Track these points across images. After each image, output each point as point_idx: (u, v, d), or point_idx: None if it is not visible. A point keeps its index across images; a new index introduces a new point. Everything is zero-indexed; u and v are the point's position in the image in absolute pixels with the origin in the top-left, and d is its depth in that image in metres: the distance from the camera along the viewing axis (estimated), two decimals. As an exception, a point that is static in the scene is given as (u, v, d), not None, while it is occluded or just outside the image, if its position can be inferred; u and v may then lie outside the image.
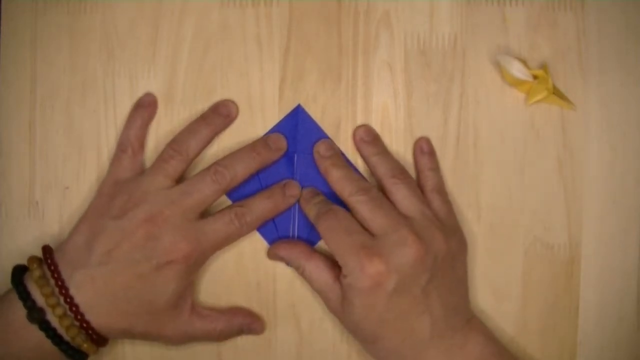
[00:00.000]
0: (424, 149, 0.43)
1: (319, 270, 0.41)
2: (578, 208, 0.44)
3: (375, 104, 0.44)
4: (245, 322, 0.43)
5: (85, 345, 0.39)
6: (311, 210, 0.42)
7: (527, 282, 0.44)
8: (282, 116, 0.44)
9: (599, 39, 0.44)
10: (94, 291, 0.39)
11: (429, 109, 0.44)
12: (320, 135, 0.44)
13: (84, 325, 0.39)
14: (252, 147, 0.43)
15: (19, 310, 0.38)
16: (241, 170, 0.42)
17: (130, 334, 0.40)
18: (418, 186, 0.42)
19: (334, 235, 0.39)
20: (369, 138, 0.44)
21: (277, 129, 0.44)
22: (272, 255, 0.43)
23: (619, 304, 0.44)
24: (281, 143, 0.43)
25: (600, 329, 0.44)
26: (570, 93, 0.44)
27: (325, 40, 0.44)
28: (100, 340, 0.40)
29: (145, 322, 0.40)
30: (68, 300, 0.38)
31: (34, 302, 0.38)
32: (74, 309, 0.38)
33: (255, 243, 0.44)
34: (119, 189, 0.41)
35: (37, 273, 0.39)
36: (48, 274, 0.39)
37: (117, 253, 0.39)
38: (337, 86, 0.45)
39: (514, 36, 0.44)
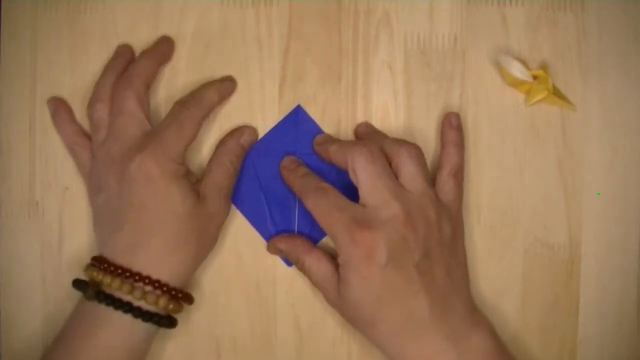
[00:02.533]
0: (452, 122, 0.43)
1: (319, 263, 0.41)
2: (578, 208, 0.44)
3: (375, 104, 0.44)
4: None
5: (170, 306, 0.39)
6: (295, 184, 0.42)
7: (527, 282, 0.44)
8: (282, 116, 0.44)
9: (599, 39, 0.44)
10: (128, 247, 0.39)
11: (429, 109, 0.44)
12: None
13: (156, 284, 0.39)
14: (145, 51, 0.44)
15: (95, 309, 0.39)
16: (141, 68, 0.42)
17: (197, 258, 0.41)
18: (438, 161, 0.42)
19: (324, 212, 0.39)
20: (369, 130, 0.44)
21: (277, 129, 0.44)
22: (272, 248, 0.44)
23: (619, 304, 0.44)
24: (167, 42, 0.44)
25: (600, 329, 0.44)
26: (570, 93, 0.44)
27: (325, 40, 0.44)
28: (178, 292, 0.40)
29: (195, 235, 0.40)
30: (119, 271, 0.39)
31: (107, 294, 0.39)
32: (132, 277, 0.38)
33: (255, 243, 0.44)
34: (87, 178, 0.43)
35: (90, 274, 0.40)
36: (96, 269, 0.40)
37: (114, 212, 0.40)
38: (337, 86, 0.45)
39: (514, 36, 0.44)
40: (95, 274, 0.39)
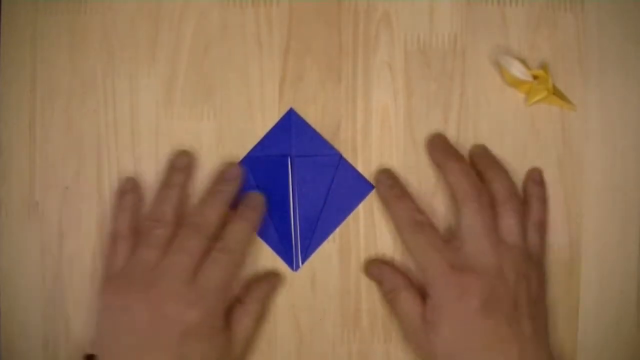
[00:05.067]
0: (536, 179, 0.44)
1: (414, 301, 0.41)
2: (578, 208, 0.44)
3: (375, 104, 0.44)
4: (264, 287, 0.43)
5: None
6: (392, 212, 0.42)
7: (527, 282, 0.44)
8: (282, 116, 0.44)
9: (599, 39, 0.44)
10: None
11: (429, 109, 0.44)
12: (315, 137, 0.44)
13: None
14: (212, 189, 0.43)
15: None
16: (212, 213, 0.41)
17: None
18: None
19: (421, 250, 0.40)
20: (483, 154, 0.44)
21: (271, 133, 0.44)
22: (372, 270, 0.43)
23: (619, 304, 0.44)
24: (234, 172, 0.43)
25: (600, 329, 0.44)
26: (570, 93, 0.44)
27: (325, 40, 0.44)
28: None
29: None
30: None
31: None
32: None
33: (255, 244, 0.44)
34: (109, 279, 0.42)
35: None
36: None
37: (136, 343, 0.38)
38: (337, 86, 0.45)
39: (514, 36, 0.44)
40: None
